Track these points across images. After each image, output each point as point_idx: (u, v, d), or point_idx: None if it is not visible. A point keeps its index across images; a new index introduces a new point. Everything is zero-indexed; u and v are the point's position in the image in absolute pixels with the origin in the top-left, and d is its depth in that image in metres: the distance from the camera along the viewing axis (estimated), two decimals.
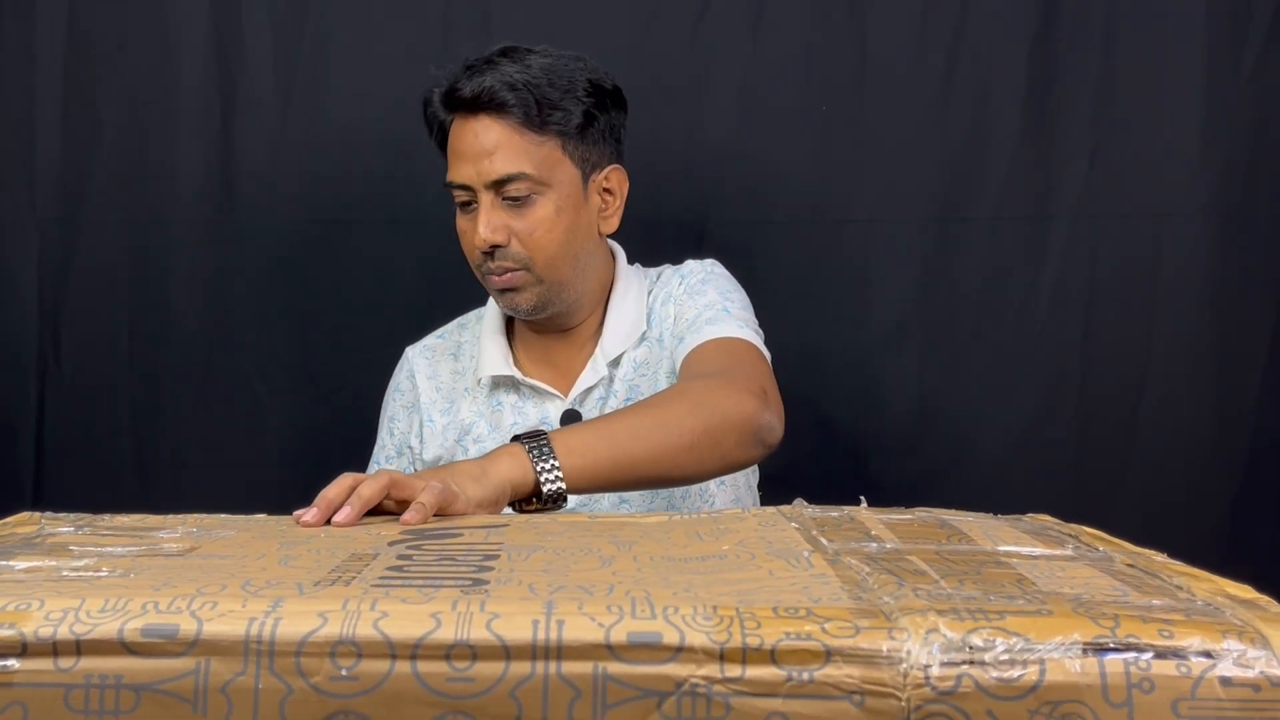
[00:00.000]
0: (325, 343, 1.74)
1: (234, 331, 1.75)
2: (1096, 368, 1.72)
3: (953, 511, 0.87)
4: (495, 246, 1.26)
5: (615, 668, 0.55)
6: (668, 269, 1.39)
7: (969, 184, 1.72)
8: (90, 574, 0.65)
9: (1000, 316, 1.73)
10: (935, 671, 0.54)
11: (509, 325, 1.39)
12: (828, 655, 0.55)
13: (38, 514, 0.87)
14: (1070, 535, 0.80)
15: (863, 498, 0.88)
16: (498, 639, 0.55)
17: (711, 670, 0.55)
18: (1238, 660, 0.54)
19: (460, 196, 1.29)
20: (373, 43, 1.73)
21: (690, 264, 1.38)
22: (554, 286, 1.29)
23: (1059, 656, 0.54)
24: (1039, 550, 0.73)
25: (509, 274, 1.28)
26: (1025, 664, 0.54)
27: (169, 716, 0.55)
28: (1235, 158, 1.70)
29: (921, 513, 0.86)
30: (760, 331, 1.30)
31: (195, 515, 0.88)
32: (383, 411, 1.42)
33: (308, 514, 0.86)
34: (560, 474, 1.01)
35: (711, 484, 1.31)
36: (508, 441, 1.05)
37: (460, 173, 1.27)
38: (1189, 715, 0.54)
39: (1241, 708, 0.54)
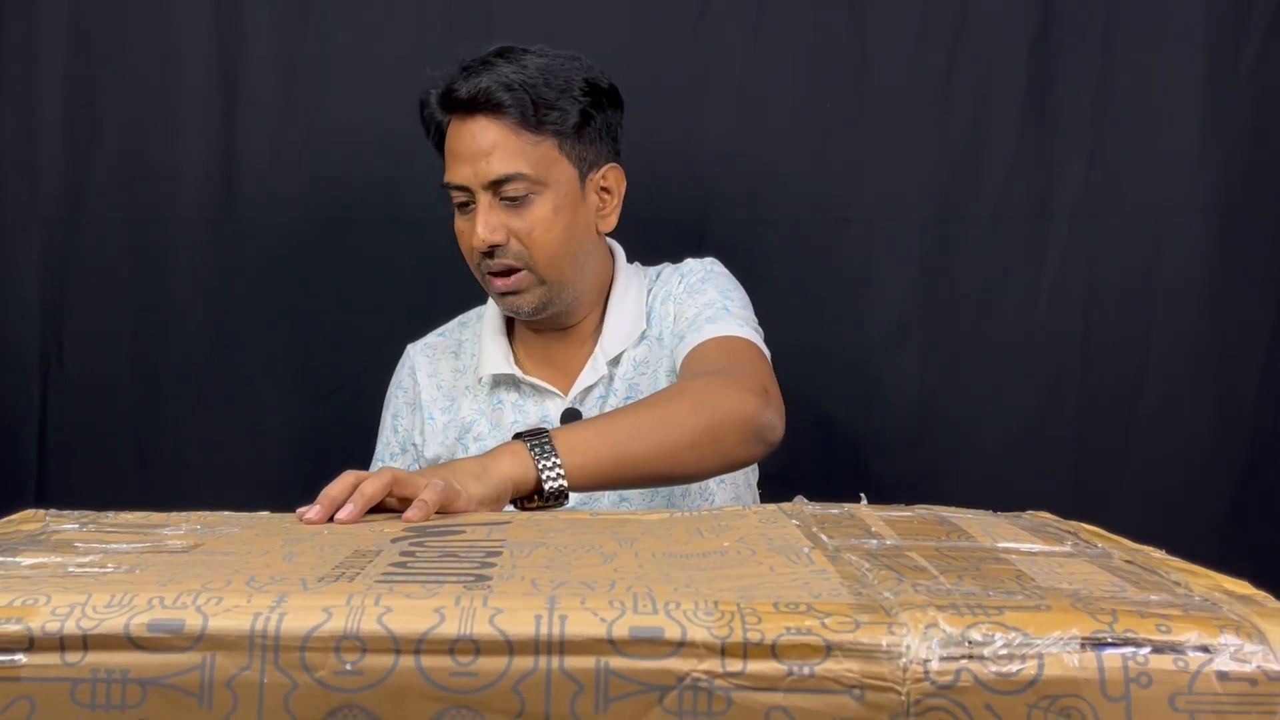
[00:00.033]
0: (326, 342, 1.75)
1: (235, 331, 1.75)
2: (1096, 367, 1.73)
3: (952, 509, 0.87)
4: (494, 246, 1.27)
5: (617, 662, 0.55)
6: (667, 268, 1.40)
7: (969, 183, 1.73)
8: (96, 570, 0.65)
9: (1000, 316, 1.73)
10: (935, 666, 0.55)
11: (509, 324, 1.39)
12: (828, 650, 0.55)
13: (42, 511, 0.87)
14: (1069, 532, 0.80)
15: (863, 495, 0.88)
16: (501, 634, 0.56)
17: (713, 665, 0.55)
18: (1235, 655, 0.55)
19: (458, 197, 1.29)
20: (374, 43, 1.74)
21: (690, 262, 1.38)
22: (554, 286, 1.30)
23: (1057, 651, 0.55)
24: (1038, 547, 0.73)
25: (511, 276, 1.28)
26: (1024, 659, 0.55)
27: (175, 711, 0.55)
28: (1234, 157, 1.71)
29: (921, 510, 0.86)
30: (760, 330, 1.31)
31: (198, 513, 0.88)
32: (385, 409, 1.43)
33: (311, 511, 0.86)
34: (562, 472, 1.02)
35: (711, 482, 1.32)
36: (509, 439, 1.06)
37: (458, 173, 1.28)
38: (1186, 709, 0.54)
39: (1238, 702, 0.54)
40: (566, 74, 1.28)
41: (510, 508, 1.02)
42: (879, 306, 1.74)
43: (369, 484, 0.88)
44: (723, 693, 0.55)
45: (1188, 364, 1.72)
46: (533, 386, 1.34)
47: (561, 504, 1.03)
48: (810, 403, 1.63)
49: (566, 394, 1.34)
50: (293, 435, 1.75)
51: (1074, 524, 0.83)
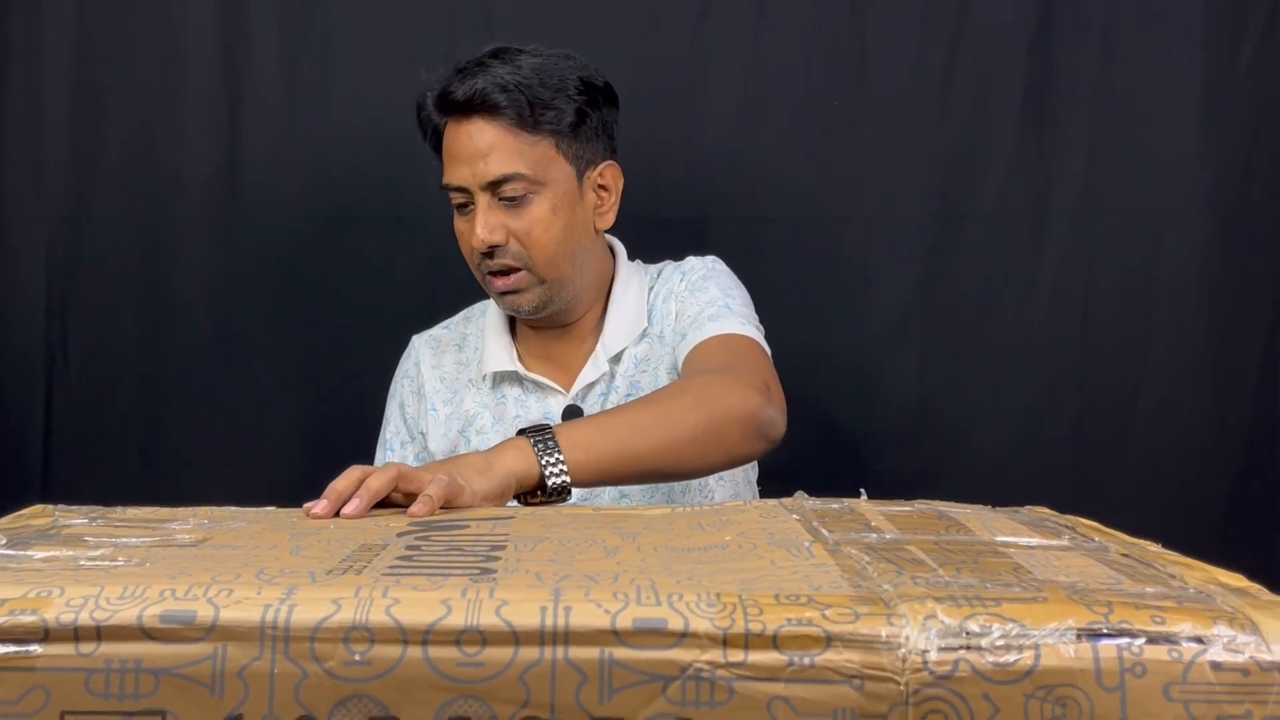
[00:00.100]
0: (329, 340, 1.76)
1: (240, 328, 1.76)
2: (1095, 365, 1.74)
3: (951, 504, 0.88)
4: (494, 247, 1.28)
5: (621, 653, 0.56)
6: (668, 265, 1.41)
7: (968, 183, 1.74)
8: (107, 563, 0.66)
9: (999, 314, 1.74)
10: (933, 656, 0.56)
11: (511, 321, 1.40)
12: (828, 641, 0.56)
13: (50, 507, 0.88)
14: (1066, 526, 0.81)
15: (862, 490, 0.89)
16: (507, 625, 0.57)
17: (715, 655, 0.56)
18: (1228, 645, 0.56)
19: (457, 198, 1.30)
20: (377, 43, 1.75)
21: (691, 260, 1.39)
22: (554, 285, 1.31)
23: (1053, 642, 0.56)
24: (1035, 541, 0.74)
25: (511, 276, 1.29)
26: (1021, 649, 0.56)
27: (187, 700, 0.56)
28: (1233, 155, 1.72)
29: (920, 505, 0.87)
30: (761, 328, 1.32)
31: (206, 508, 0.89)
32: (391, 399, 1.43)
33: (317, 506, 0.87)
34: (565, 467, 1.03)
35: (711, 480, 1.33)
36: (512, 435, 1.07)
37: (456, 175, 1.28)
38: (1180, 699, 0.55)
39: (1231, 691, 0.55)
40: (561, 73, 1.29)
41: (514, 503, 1.03)
42: (879, 305, 1.75)
43: (375, 479, 0.89)
44: (725, 683, 0.56)
45: (1187, 362, 1.73)
46: (535, 383, 1.35)
47: (564, 499, 1.04)
48: (810, 402, 1.64)
49: (568, 391, 1.34)
50: (296, 432, 1.76)
51: (1071, 518, 0.84)
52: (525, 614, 0.57)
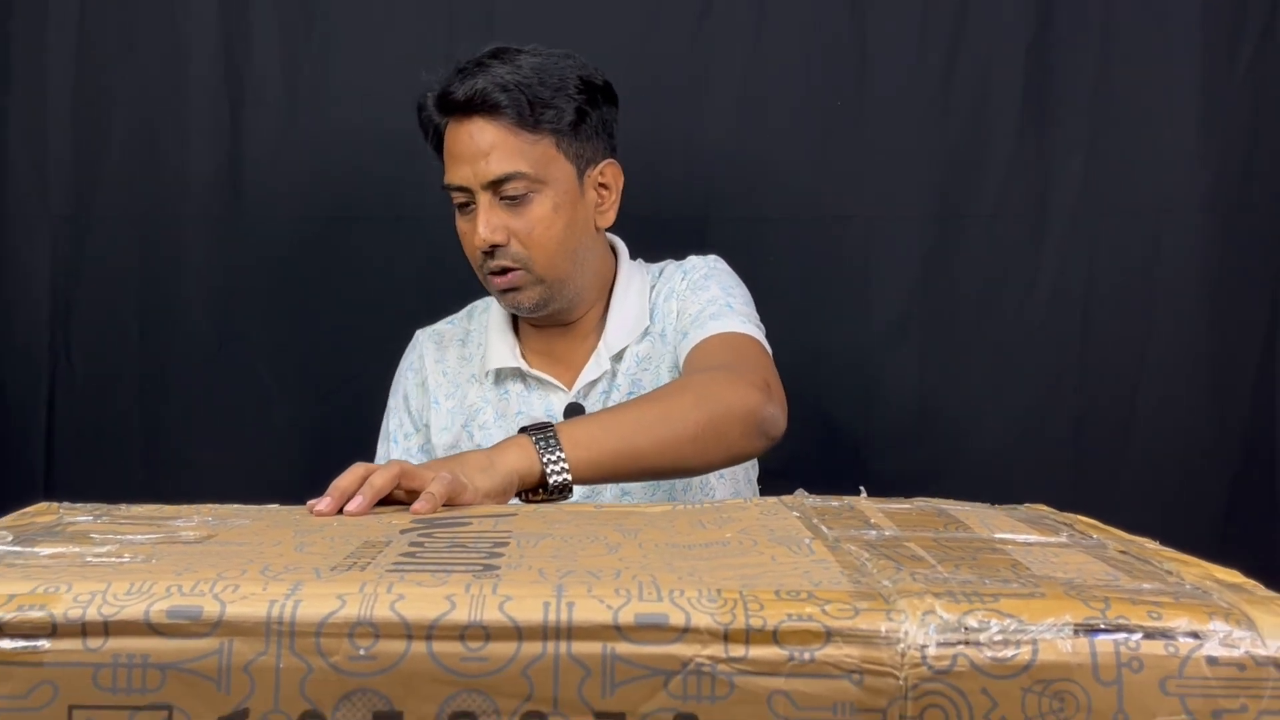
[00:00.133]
0: (331, 338, 1.76)
1: (241, 327, 1.77)
2: (1094, 364, 1.74)
3: (950, 501, 0.88)
4: (495, 246, 1.28)
5: (623, 648, 0.57)
6: (670, 264, 1.41)
7: (968, 183, 1.74)
8: (113, 560, 0.67)
9: (999, 313, 1.75)
10: (932, 651, 0.56)
11: (514, 319, 1.41)
12: (828, 636, 0.57)
13: (55, 504, 0.88)
14: (1065, 524, 0.81)
15: (862, 488, 0.90)
16: (510, 620, 0.57)
17: (716, 650, 0.57)
18: (1224, 640, 0.56)
19: (458, 198, 1.31)
20: (378, 43, 1.75)
21: (693, 259, 1.40)
22: (554, 284, 1.31)
23: (1051, 637, 0.56)
24: (1034, 538, 0.75)
25: (509, 274, 1.30)
26: (1018, 644, 0.56)
27: (194, 694, 0.57)
28: (1232, 154, 1.72)
29: (920, 502, 0.88)
30: (762, 326, 1.32)
31: (210, 505, 0.90)
32: (394, 392, 1.44)
33: (321, 503, 0.87)
34: (566, 465, 1.03)
35: (712, 478, 1.33)
36: (515, 431, 1.07)
37: (457, 174, 1.29)
38: (1176, 693, 0.56)
39: (1227, 686, 0.56)
40: (561, 72, 1.29)
41: (515, 500, 1.03)
42: (879, 305, 1.76)
43: (378, 476, 0.90)
44: (726, 677, 0.56)
45: (1186, 362, 1.73)
46: (538, 379, 1.36)
47: (566, 497, 1.05)
48: (810, 401, 1.64)
49: (570, 388, 1.35)
50: (297, 431, 1.77)
51: (1070, 516, 0.85)
52: (528, 609, 0.58)
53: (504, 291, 1.32)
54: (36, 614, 0.57)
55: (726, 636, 0.57)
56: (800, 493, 0.92)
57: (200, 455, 1.76)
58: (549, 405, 1.35)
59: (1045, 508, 0.89)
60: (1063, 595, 0.59)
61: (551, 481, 1.03)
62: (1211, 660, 0.56)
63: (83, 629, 0.57)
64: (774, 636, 0.57)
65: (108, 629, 0.57)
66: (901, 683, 0.56)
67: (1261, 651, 0.56)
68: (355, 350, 1.74)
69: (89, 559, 0.67)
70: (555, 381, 1.36)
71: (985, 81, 1.74)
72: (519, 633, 0.57)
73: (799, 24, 1.74)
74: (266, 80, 1.76)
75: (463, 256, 1.35)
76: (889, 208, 1.74)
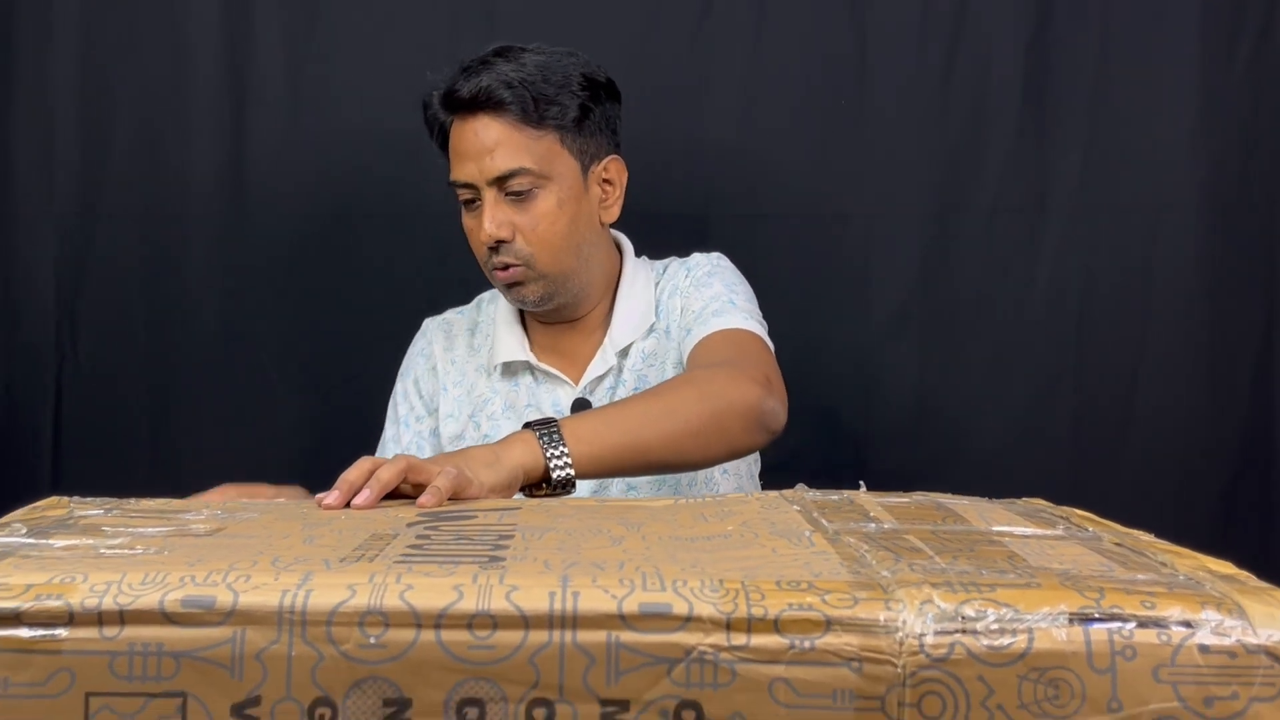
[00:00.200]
0: (336, 335, 1.77)
1: (247, 324, 1.78)
2: (1092, 361, 1.76)
3: (948, 495, 0.90)
4: (500, 242, 1.29)
5: (628, 636, 0.58)
6: (674, 262, 1.42)
7: (967, 180, 1.75)
8: (127, 551, 0.68)
9: (998, 311, 1.76)
10: (929, 640, 0.57)
11: (522, 313, 1.42)
12: (828, 625, 0.58)
13: (66, 498, 0.89)
14: (1061, 517, 0.83)
15: (862, 482, 0.91)
16: (517, 609, 0.58)
17: (718, 639, 0.58)
18: (1216, 629, 0.57)
19: (464, 195, 1.32)
20: (381, 44, 1.76)
21: (696, 257, 1.41)
22: (557, 279, 1.32)
23: (1046, 626, 0.57)
24: (1030, 530, 0.76)
25: (511, 269, 1.31)
26: (1014, 633, 0.57)
27: (207, 682, 0.58)
28: (1230, 153, 1.73)
29: (918, 496, 0.89)
30: (764, 323, 1.33)
31: (217, 500, 0.91)
32: (403, 377, 1.44)
33: (329, 497, 0.88)
34: (569, 460, 1.04)
35: (716, 473, 1.34)
36: (521, 424, 1.09)
37: (463, 171, 1.30)
38: (1169, 680, 0.57)
39: (1219, 673, 0.57)
40: (564, 70, 1.31)
41: (519, 495, 1.04)
42: (879, 302, 1.77)
43: (385, 470, 0.91)
44: (728, 665, 0.58)
45: (1183, 359, 1.74)
46: (546, 373, 1.37)
47: (569, 492, 1.06)
48: (810, 397, 1.65)
49: (577, 384, 1.36)
50: (301, 428, 1.78)
51: (1066, 509, 0.86)
52: (534, 599, 0.59)
53: (509, 286, 1.33)
54: (54, 603, 0.58)
55: (729, 625, 0.58)
56: (801, 487, 0.93)
57: (205, 452, 1.77)
58: (556, 399, 1.36)
59: (1042, 501, 0.90)
60: (1058, 585, 0.60)
61: (555, 476, 1.04)
62: (1204, 649, 0.57)
63: (99, 618, 0.58)
64: (775, 625, 0.58)
65: (123, 618, 0.58)
66: (900, 670, 0.57)
67: (1253, 640, 0.57)
68: (359, 348, 1.75)
69: (102, 551, 0.68)
70: (563, 376, 1.37)
71: (984, 81, 1.75)
72: (525, 622, 0.58)
73: (799, 24, 1.75)
74: (269, 80, 1.77)
75: (465, 255, 1.36)
76: (889, 206, 1.76)
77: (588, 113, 1.32)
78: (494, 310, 1.43)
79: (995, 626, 0.58)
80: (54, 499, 0.89)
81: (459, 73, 1.30)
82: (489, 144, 1.28)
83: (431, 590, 0.59)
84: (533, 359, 1.37)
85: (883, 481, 1.05)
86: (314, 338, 1.78)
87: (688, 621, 0.58)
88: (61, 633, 0.58)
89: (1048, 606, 0.58)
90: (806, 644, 0.58)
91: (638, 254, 1.43)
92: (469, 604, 0.58)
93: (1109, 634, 0.57)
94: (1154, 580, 0.62)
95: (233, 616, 0.58)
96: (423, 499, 0.89)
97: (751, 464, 1.42)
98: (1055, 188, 1.75)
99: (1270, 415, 1.74)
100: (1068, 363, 1.76)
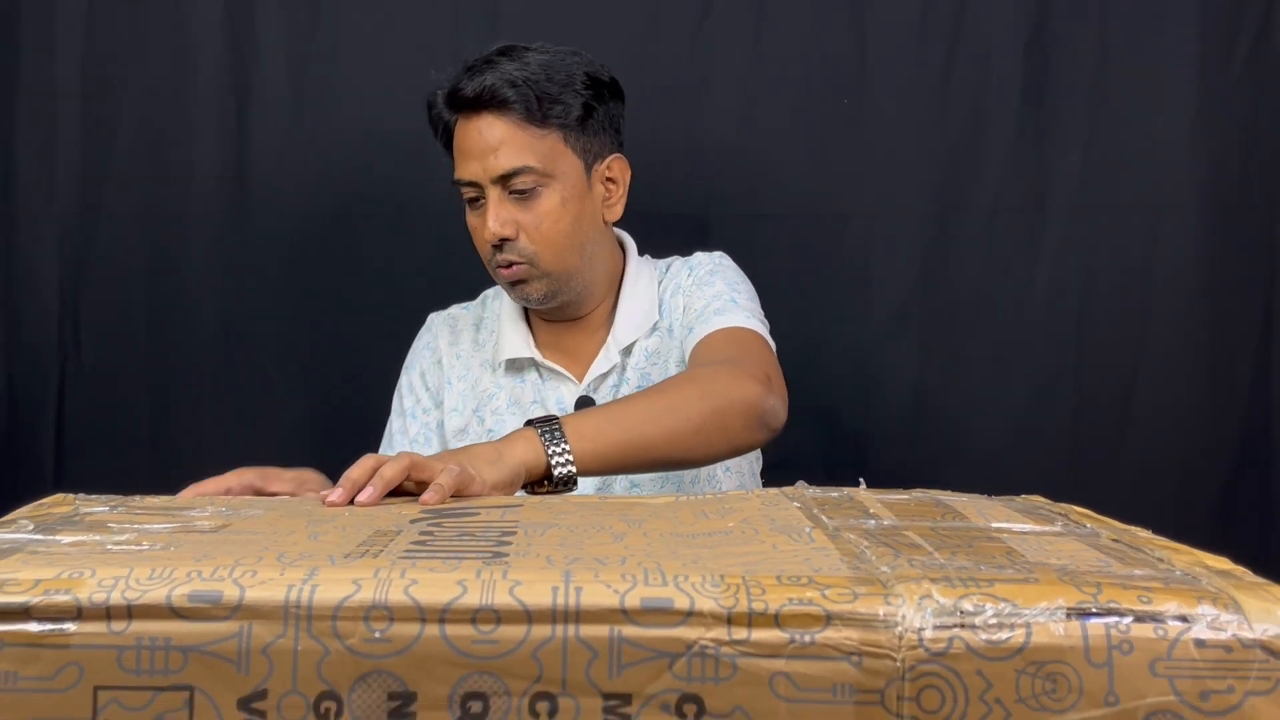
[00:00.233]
0: (338, 335, 1.78)
1: (248, 323, 1.79)
2: (1091, 361, 1.76)
3: (948, 492, 0.90)
4: (504, 240, 1.30)
5: (630, 630, 0.58)
6: (677, 261, 1.43)
7: (966, 180, 1.76)
8: (133, 547, 0.68)
9: (997, 311, 1.76)
10: (928, 634, 0.58)
11: (526, 310, 1.42)
12: (828, 619, 0.58)
13: (71, 495, 0.90)
14: (1059, 514, 0.83)
15: (862, 480, 0.92)
16: (520, 604, 0.59)
17: (719, 633, 0.58)
18: (1211, 624, 0.58)
19: (468, 193, 1.32)
20: (383, 44, 1.77)
21: (699, 256, 1.42)
22: (561, 277, 1.33)
23: (1044, 620, 0.58)
24: (1029, 526, 0.76)
25: (514, 267, 1.31)
26: (1012, 627, 0.58)
27: (214, 676, 0.58)
28: (1228, 153, 1.74)
29: (918, 493, 0.89)
30: (766, 322, 1.34)
31: (222, 496, 0.91)
32: (408, 370, 1.45)
33: (333, 494, 0.89)
34: (571, 457, 1.05)
35: (719, 471, 1.35)
36: (525, 420, 1.09)
37: (467, 170, 1.31)
38: (1166, 674, 0.57)
39: (1214, 667, 0.57)
40: (568, 69, 1.31)
41: (521, 492, 1.05)
42: (879, 301, 1.77)
43: (388, 468, 0.91)
44: (729, 659, 0.58)
45: (1182, 358, 1.75)
46: (550, 370, 1.38)
47: (571, 489, 1.06)
48: (811, 397, 1.65)
49: (580, 381, 1.37)
50: (307, 423, 1.78)
51: (1064, 506, 0.86)
52: (538, 594, 0.59)
53: (513, 284, 1.33)
54: (63, 598, 0.59)
55: (730, 620, 0.58)
56: (801, 484, 0.93)
57: (206, 451, 1.77)
58: (560, 397, 1.37)
59: (1040, 499, 0.91)
60: (1056, 580, 0.60)
61: (556, 474, 1.05)
62: (1199, 643, 0.58)
63: (107, 612, 0.59)
64: (775, 620, 0.58)
65: (131, 612, 0.59)
66: (899, 664, 0.58)
67: (1248, 634, 0.58)
68: (359, 348, 1.76)
69: (109, 546, 0.69)
70: (566, 373, 1.37)
71: (984, 80, 1.75)
72: (529, 616, 0.59)
73: (799, 24, 1.76)
74: (271, 80, 1.78)
75: (467, 254, 1.37)
76: (888, 206, 1.76)
77: (591, 112, 1.32)
78: (499, 306, 1.44)
79: (993, 621, 0.58)
80: (59, 496, 0.90)
81: (463, 72, 1.31)
82: (493, 143, 1.29)
83: (436, 585, 0.60)
84: (538, 356, 1.38)
85: (882, 480, 1.06)
86: (315, 337, 1.79)
87: (689, 616, 0.58)
88: (70, 627, 0.59)
89: (1045, 601, 0.59)
90: (807, 638, 0.58)
91: (639, 254, 1.44)
92: (473, 599, 0.59)
93: (1106, 629, 0.58)
94: (1151, 575, 0.62)
95: (239, 611, 0.59)
96: (426, 496, 0.90)
97: (754, 462, 1.43)
98: (1055, 188, 1.75)
99: (1269, 415, 1.74)
100: (1067, 362, 1.76)
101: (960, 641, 0.58)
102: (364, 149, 1.77)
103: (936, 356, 1.77)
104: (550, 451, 1.04)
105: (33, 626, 0.59)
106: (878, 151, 1.76)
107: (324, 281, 1.79)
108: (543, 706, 0.58)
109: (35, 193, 1.78)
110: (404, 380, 1.45)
